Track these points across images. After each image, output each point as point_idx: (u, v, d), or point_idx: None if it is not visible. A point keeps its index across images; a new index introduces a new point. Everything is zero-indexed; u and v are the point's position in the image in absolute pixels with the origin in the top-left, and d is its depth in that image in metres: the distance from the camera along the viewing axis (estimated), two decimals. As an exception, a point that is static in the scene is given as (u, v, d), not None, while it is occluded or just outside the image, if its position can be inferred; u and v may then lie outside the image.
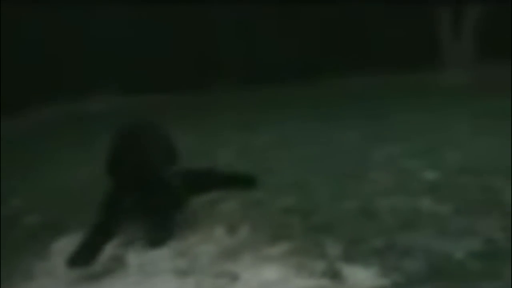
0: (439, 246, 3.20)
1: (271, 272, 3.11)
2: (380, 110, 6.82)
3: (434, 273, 2.92)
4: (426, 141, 5.20)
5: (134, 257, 3.48)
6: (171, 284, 3.12)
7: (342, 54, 9.59)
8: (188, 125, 6.77)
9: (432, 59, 8.96)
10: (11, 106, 8.13)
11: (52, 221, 4.09)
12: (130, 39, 9.48)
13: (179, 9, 9.18)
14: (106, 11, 9.27)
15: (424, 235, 3.36)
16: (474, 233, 3.29)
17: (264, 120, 6.90)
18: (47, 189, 4.90)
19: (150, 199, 3.79)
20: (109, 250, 3.57)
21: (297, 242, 3.41)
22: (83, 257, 3.36)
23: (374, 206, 3.81)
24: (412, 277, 2.90)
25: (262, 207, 3.97)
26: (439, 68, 8.91)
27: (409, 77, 8.41)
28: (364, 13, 9.46)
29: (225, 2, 9.32)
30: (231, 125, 6.68)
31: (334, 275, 2.99)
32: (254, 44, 9.93)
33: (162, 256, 3.46)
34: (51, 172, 5.45)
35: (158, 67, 9.61)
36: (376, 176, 4.42)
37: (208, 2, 9.31)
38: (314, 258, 3.20)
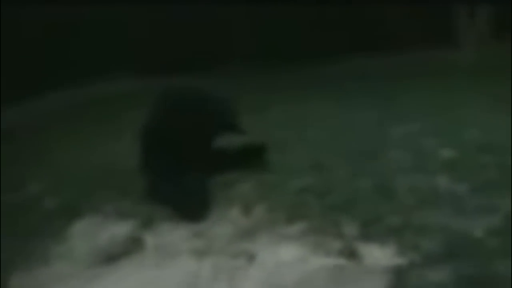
0: (457, 225, 3.17)
1: (287, 252, 3.11)
2: (394, 89, 6.77)
3: (452, 252, 2.90)
4: (443, 120, 5.16)
5: (152, 239, 3.49)
6: (189, 265, 3.13)
7: (358, 34, 9.50)
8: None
9: (447, 38, 8.84)
10: (27, 90, 8.17)
11: (70, 204, 4.11)
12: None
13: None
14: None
15: (441, 213, 3.34)
16: (492, 211, 3.26)
17: (279, 100, 6.88)
18: (64, 173, 4.93)
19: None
20: (126, 231, 3.60)
21: (313, 221, 3.40)
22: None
23: (391, 184, 3.79)
24: (429, 256, 2.89)
25: (278, 187, 3.96)
26: (455, 47, 8.80)
27: (423, 56, 8.32)
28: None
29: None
30: (245, 106, 6.65)
31: (351, 254, 2.98)
32: (265, 24, 9.85)
33: (179, 237, 3.47)
34: (69, 156, 5.48)
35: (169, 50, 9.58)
36: (393, 155, 4.39)
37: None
38: (331, 237, 3.19)
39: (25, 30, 8.61)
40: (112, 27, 9.44)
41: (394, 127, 5.07)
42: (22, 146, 6.02)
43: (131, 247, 3.42)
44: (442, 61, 8.06)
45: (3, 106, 7.48)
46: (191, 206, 3.75)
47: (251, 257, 3.11)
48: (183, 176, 3.93)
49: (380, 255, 2.94)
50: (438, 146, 4.43)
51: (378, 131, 5.07)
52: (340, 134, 5.14)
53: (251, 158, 4.31)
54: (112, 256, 3.33)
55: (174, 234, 3.52)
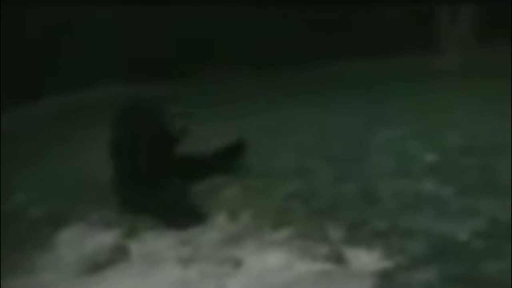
0: (442, 228, 3.20)
1: (274, 258, 3.11)
2: (378, 94, 6.81)
3: (438, 255, 2.92)
4: (425, 124, 5.20)
5: (137, 247, 3.48)
6: (175, 273, 3.12)
7: (338, 38, 9.54)
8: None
9: (429, 42, 8.92)
10: (15, 97, 8.09)
11: (56, 213, 4.08)
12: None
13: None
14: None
15: (426, 217, 3.36)
16: (476, 214, 3.30)
17: (262, 107, 6.88)
18: (50, 181, 4.88)
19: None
20: (112, 240, 3.58)
21: (299, 226, 3.41)
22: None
23: (376, 189, 3.82)
24: (415, 259, 2.91)
25: (263, 193, 3.97)
26: (436, 52, 8.88)
27: (406, 61, 8.39)
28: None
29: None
30: (229, 112, 6.66)
31: (338, 259, 2.99)
32: (250, 31, 9.86)
33: (164, 245, 3.46)
34: (55, 164, 5.43)
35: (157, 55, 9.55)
36: (377, 159, 4.42)
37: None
38: (317, 242, 3.20)
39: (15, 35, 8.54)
40: (102, 29, 9.41)
41: (378, 132, 5.11)
42: (8, 153, 5.96)
43: (117, 256, 3.40)
44: (425, 66, 8.13)
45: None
46: (176, 214, 3.73)
47: (237, 264, 3.11)
48: (163, 183, 3.94)
49: (366, 259, 2.96)
50: (421, 150, 4.47)
51: (362, 136, 5.10)
52: (325, 139, 5.16)
53: (229, 158, 4.33)
54: (98, 265, 3.31)
55: (160, 242, 3.50)
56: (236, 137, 4.50)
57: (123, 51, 9.51)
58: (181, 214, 3.69)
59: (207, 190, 4.08)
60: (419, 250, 2.99)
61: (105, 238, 3.62)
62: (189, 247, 3.38)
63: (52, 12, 8.76)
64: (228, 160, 4.36)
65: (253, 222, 3.56)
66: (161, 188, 3.91)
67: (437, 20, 9.24)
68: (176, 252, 3.34)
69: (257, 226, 3.50)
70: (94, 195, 4.24)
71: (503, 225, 3.12)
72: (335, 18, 9.49)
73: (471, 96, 6.09)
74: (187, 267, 3.16)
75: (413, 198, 3.64)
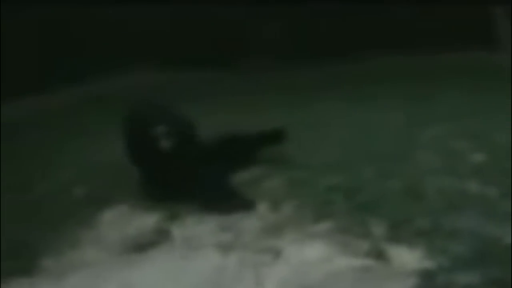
0: (486, 229, 3.14)
1: (314, 250, 3.10)
2: (425, 90, 6.68)
3: (481, 257, 2.87)
4: (475, 123, 5.08)
5: (179, 230, 3.52)
6: (215, 259, 3.15)
7: (389, 32, 9.38)
8: (226, 104, 6.78)
9: (486, 38, 8.69)
10: (51, 82, 8.23)
11: (100, 193, 4.16)
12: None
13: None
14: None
15: (471, 217, 3.30)
16: (523, 218, 3.22)
17: (306, 100, 6.84)
18: (93, 162, 4.97)
19: None
20: (154, 222, 3.64)
21: (340, 221, 3.40)
22: None
23: (420, 186, 3.77)
24: (458, 260, 2.86)
25: (306, 185, 3.96)
26: (493, 49, 8.63)
27: (458, 56, 8.19)
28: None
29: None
30: (272, 104, 6.65)
31: (379, 255, 2.97)
32: (291, 24, 9.76)
33: (205, 230, 3.50)
34: (97, 145, 5.53)
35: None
36: (422, 157, 4.36)
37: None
38: (358, 237, 3.18)
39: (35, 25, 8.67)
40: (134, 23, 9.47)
41: (424, 129, 5.02)
42: (48, 134, 6.10)
43: (158, 238, 3.45)
44: (477, 62, 7.93)
45: (26, 95, 7.57)
46: (218, 200, 3.76)
47: (277, 254, 3.11)
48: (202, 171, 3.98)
49: (408, 258, 2.92)
50: (468, 149, 4.38)
51: (407, 132, 5.02)
52: (369, 134, 5.11)
53: (268, 145, 4.35)
54: (140, 246, 3.37)
55: (201, 227, 3.54)
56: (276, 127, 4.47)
57: (160, 42, 9.52)
58: (224, 200, 3.71)
59: (249, 179, 4.09)
60: (462, 251, 2.94)
61: (147, 221, 3.69)
62: (229, 234, 3.40)
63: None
64: (267, 146, 4.36)
65: (294, 213, 3.56)
66: (202, 175, 3.94)
67: (493, 14, 8.98)
68: (217, 238, 3.37)
69: (298, 217, 3.50)
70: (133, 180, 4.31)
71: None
72: (381, 9, 9.32)
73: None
74: (227, 254, 3.18)
75: (458, 198, 3.58)
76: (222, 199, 3.76)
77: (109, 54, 8.91)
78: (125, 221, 3.73)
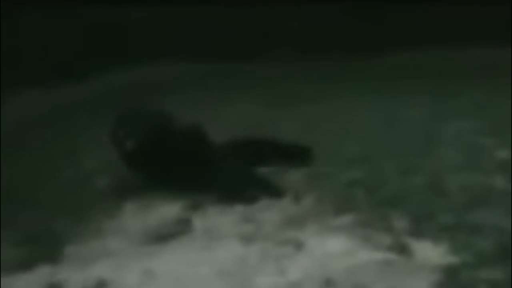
0: (510, 225, 3.10)
1: (336, 243, 3.10)
2: (450, 85, 6.61)
3: (505, 254, 2.84)
4: (498, 119, 5.02)
5: (200, 221, 3.54)
6: (237, 250, 3.16)
7: (412, 27, 9.28)
8: (249, 95, 6.78)
9: (507, 34, 8.56)
10: (74, 72, 8.30)
11: (124, 183, 4.19)
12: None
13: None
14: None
15: (495, 213, 3.27)
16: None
17: (329, 93, 6.81)
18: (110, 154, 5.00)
19: None
20: (176, 213, 3.66)
21: (363, 214, 3.38)
22: None
23: (444, 182, 3.74)
24: (482, 256, 2.84)
25: (327, 178, 3.95)
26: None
27: (485, 53, 8.08)
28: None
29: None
30: (294, 97, 6.62)
31: (402, 249, 2.95)
32: (315, 17, 9.71)
33: (227, 221, 3.51)
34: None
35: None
36: (446, 152, 4.32)
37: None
38: (381, 231, 3.17)
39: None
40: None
41: (447, 124, 4.98)
42: (79, 124, 6.15)
43: (180, 228, 3.47)
44: (503, 58, 7.82)
45: (48, 85, 7.65)
46: (240, 191, 3.77)
47: (298, 246, 3.11)
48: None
49: (431, 253, 2.90)
50: (493, 145, 4.34)
51: (431, 127, 4.98)
52: (392, 129, 5.08)
53: (293, 160, 4.27)
54: (162, 236, 3.39)
55: (223, 218, 3.55)
56: (304, 143, 4.40)
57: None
58: (246, 192, 3.72)
59: (271, 173, 4.09)
60: (486, 247, 2.92)
61: (170, 210, 3.71)
62: (251, 225, 3.41)
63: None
64: (290, 163, 4.25)
65: (316, 206, 3.56)
66: (225, 169, 3.95)
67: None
68: (238, 229, 3.38)
69: (320, 210, 3.49)
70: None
71: None
72: (407, 5, 9.24)
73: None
74: (248, 245, 3.19)
75: (482, 194, 3.55)
76: (245, 189, 3.76)
77: (131, 47, 8.97)
78: (147, 211, 3.75)
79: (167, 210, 3.74)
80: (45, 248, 3.35)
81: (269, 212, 3.54)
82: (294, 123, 5.36)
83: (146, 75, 8.37)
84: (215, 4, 9.22)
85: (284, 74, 8.10)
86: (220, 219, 3.52)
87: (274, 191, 3.74)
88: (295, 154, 4.30)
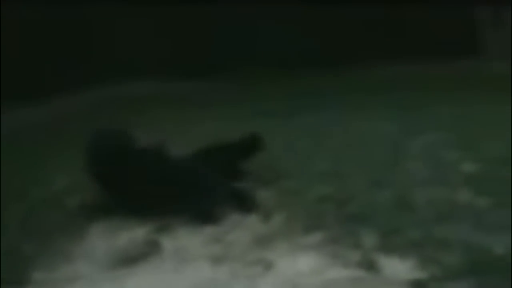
0: (478, 240, 3.14)
1: (305, 261, 3.10)
2: (416, 100, 6.71)
3: (473, 267, 2.87)
4: (465, 133, 5.10)
5: (169, 242, 3.50)
6: (206, 271, 3.13)
7: (375, 41, 9.40)
8: (218, 112, 6.77)
9: (472, 48, 8.74)
10: (51, 89, 8.21)
11: (93, 203, 4.14)
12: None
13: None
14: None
15: (462, 228, 3.31)
16: (512, 228, 3.22)
17: (296, 108, 6.85)
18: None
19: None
20: (144, 234, 3.62)
21: (332, 231, 3.39)
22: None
23: (411, 196, 3.77)
24: (450, 270, 2.86)
25: (296, 195, 3.96)
26: (479, 58, 8.68)
27: (448, 66, 8.23)
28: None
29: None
30: (262, 113, 6.63)
31: (370, 266, 2.96)
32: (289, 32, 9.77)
33: (196, 242, 3.48)
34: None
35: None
36: (413, 167, 4.37)
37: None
38: (349, 248, 3.18)
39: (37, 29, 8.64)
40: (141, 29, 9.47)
41: (414, 139, 5.04)
42: (41, 144, 6.07)
43: (149, 250, 3.43)
44: (466, 71, 7.97)
45: (25, 103, 7.55)
46: (209, 210, 3.75)
47: (268, 266, 3.10)
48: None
49: (399, 268, 2.92)
50: (459, 159, 4.40)
51: (398, 141, 5.03)
52: (360, 144, 5.12)
53: (246, 153, 4.35)
54: (130, 258, 3.35)
55: (192, 239, 3.52)
56: (251, 134, 4.47)
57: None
58: (215, 211, 3.70)
59: (241, 189, 4.08)
60: (453, 261, 2.94)
61: (138, 232, 3.66)
62: (220, 246, 3.39)
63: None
64: (246, 154, 4.36)
65: (285, 225, 3.55)
66: (194, 185, 3.93)
67: (480, 23, 9.02)
68: (208, 250, 3.35)
69: (289, 228, 3.49)
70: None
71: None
72: (375, 19, 9.37)
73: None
74: (218, 266, 3.17)
75: (449, 208, 3.59)
76: (213, 207, 3.74)
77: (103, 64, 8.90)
78: (116, 233, 3.70)
79: (136, 231, 3.69)
80: (10, 273, 3.27)
81: (238, 232, 3.52)
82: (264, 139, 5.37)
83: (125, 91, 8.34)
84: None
85: (248, 90, 8.13)
86: (189, 240, 3.49)
87: (243, 207, 3.73)
88: (248, 143, 4.39)
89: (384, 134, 5.36)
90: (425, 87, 7.35)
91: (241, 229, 3.57)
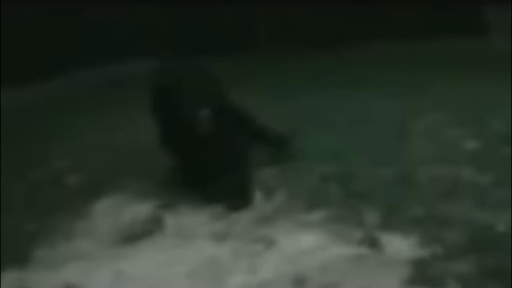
0: (479, 217, 3.15)
1: (308, 239, 3.10)
2: (418, 78, 6.66)
3: (475, 245, 2.88)
4: (467, 111, 5.07)
5: (172, 220, 3.51)
6: (208, 249, 3.14)
7: (373, 18, 9.29)
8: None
9: (477, 26, 8.65)
10: (48, 69, 8.16)
11: (93, 182, 4.14)
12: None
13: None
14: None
15: (464, 205, 3.31)
16: (516, 205, 3.22)
17: (299, 88, 6.80)
18: (88, 150, 4.94)
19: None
20: (147, 211, 3.62)
21: (334, 209, 3.39)
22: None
23: (413, 174, 3.77)
24: (452, 248, 2.87)
25: (299, 173, 3.95)
26: (483, 36, 8.60)
27: (449, 43, 8.16)
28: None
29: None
30: (266, 92, 6.59)
31: (372, 243, 2.97)
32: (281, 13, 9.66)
33: (199, 219, 3.49)
34: (94, 135, 5.48)
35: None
36: (415, 145, 4.35)
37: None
38: (352, 226, 3.18)
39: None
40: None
41: (416, 117, 5.00)
42: (43, 123, 6.05)
43: (151, 227, 3.44)
44: (469, 50, 7.90)
45: (21, 84, 7.51)
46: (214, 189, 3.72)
47: (270, 243, 3.11)
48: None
49: (401, 246, 2.93)
50: (462, 137, 4.38)
51: (400, 120, 5.00)
52: (362, 122, 5.08)
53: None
54: (133, 235, 3.36)
55: (195, 217, 3.53)
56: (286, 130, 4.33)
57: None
58: (220, 190, 3.68)
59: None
60: (456, 239, 2.95)
61: (142, 209, 3.67)
62: (222, 224, 3.39)
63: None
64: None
65: (287, 203, 3.55)
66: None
67: (485, 3, 8.93)
68: (210, 228, 3.36)
69: (292, 206, 3.49)
70: (132, 166, 4.29)
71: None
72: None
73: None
74: (220, 244, 3.18)
75: (451, 186, 3.58)
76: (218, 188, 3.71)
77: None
78: (118, 211, 3.70)
79: (139, 208, 3.70)
80: (12, 252, 3.28)
81: (240, 210, 3.52)
82: (265, 118, 5.34)
83: (119, 71, 8.28)
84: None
85: (255, 70, 8.07)
86: (192, 218, 3.50)
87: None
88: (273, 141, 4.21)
89: (386, 113, 5.32)
90: (426, 66, 7.29)
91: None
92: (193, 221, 3.45)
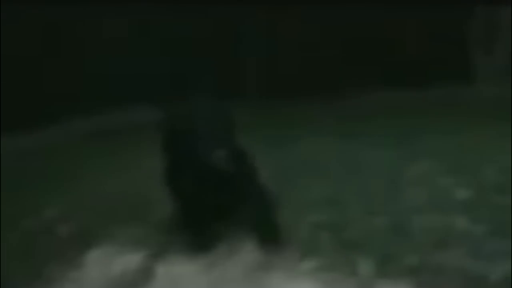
0: (474, 267, 3.14)
1: (301, 288, 3.08)
2: (411, 127, 6.72)
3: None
4: (459, 159, 5.10)
5: (164, 269, 3.47)
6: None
7: (365, 66, 9.42)
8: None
9: (463, 73, 8.78)
10: (39, 117, 8.19)
11: (85, 231, 4.11)
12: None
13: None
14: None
15: (458, 255, 3.30)
16: (509, 255, 3.21)
17: (291, 135, 6.84)
18: (80, 199, 4.92)
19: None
20: (139, 261, 3.59)
21: (327, 258, 3.38)
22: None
23: (407, 223, 3.76)
24: (446, 298, 2.85)
25: (292, 222, 3.93)
26: (471, 83, 8.71)
27: (443, 93, 8.27)
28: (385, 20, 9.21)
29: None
30: (258, 140, 6.60)
31: (366, 293, 2.95)
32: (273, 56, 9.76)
33: (191, 269, 3.45)
34: (85, 182, 5.49)
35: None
36: (409, 193, 4.36)
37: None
38: (345, 275, 3.16)
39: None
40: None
41: (410, 165, 5.03)
42: (37, 171, 6.05)
43: (143, 277, 3.40)
44: (460, 98, 8.00)
45: (15, 131, 7.52)
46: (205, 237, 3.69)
47: (264, 293, 3.08)
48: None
49: (395, 295, 2.91)
50: (455, 186, 4.40)
51: (394, 168, 5.02)
52: (356, 171, 5.10)
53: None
54: (124, 285, 3.31)
55: (187, 266, 3.49)
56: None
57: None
58: (211, 237, 3.65)
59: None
60: (450, 288, 2.94)
61: (133, 259, 3.63)
62: (216, 273, 3.36)
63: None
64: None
65: (281, 251, 3.53)
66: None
67: (472, 49, 9.08)
68: (203, 278, 3.32)
69: (285, 255, 3.47)
70: (125, 215, 4.27)
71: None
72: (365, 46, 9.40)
73: (508, 131, 5.96)
74: (213, 292, 3.14)
75: (445, 235, 3.58)
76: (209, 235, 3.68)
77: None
78: (110, 260, 3.67)
79: (131, 257, 3.66)
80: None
81: (234, 259, 3.49)
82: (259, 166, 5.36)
83: (116, 120, 8.32)
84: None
85: (249, 117, 8.13)
86: (184, 267, 3.46)
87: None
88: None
89: (380, 161, 5.35)
90: (419, 114, 7.37)
91: (236, 256, 3.54)
92: (186, 270, 3.42)
